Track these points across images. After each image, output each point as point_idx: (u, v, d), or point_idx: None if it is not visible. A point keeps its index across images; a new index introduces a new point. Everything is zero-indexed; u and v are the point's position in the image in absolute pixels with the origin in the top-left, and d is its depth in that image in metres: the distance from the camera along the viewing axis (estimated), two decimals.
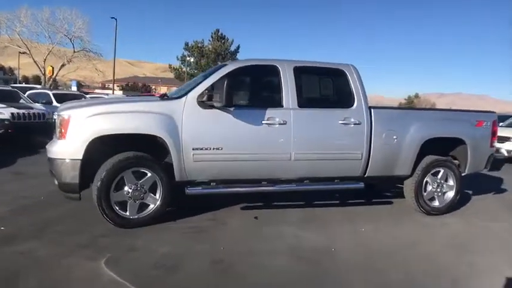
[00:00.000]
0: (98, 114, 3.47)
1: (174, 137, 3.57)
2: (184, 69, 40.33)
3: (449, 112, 4.85)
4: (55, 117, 3.76)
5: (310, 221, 4.13)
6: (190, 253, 3.12)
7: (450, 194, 4.66)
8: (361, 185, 4.31)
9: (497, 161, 4.85)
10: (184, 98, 3.69)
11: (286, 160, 3.93)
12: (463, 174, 4.70)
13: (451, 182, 4.65)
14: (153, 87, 62.99)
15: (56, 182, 3.62)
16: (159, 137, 3.54)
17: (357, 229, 3.97)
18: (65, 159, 3.44)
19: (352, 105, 4.19)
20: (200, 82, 3.83)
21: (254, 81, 4.30)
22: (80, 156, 3.40)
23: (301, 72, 4.09)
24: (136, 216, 3.61)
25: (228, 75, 3.81)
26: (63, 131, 3.47)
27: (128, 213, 3.58)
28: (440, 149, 4.61)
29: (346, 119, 4.09)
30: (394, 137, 4.27)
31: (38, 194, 4.64)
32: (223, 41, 41.79)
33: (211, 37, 41.68)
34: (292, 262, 3.07)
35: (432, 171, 4.54)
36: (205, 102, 3.64)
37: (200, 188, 3.79)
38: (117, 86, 49.80)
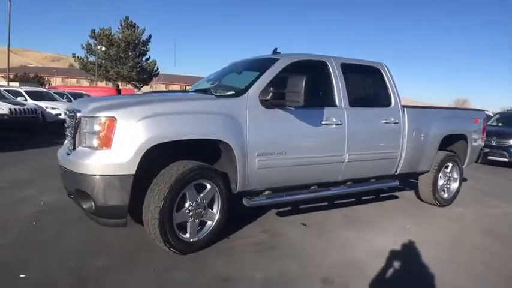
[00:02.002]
0: (155, 115, 2.74)
1: (240, 141, 3.06)
2: (90, 58, 36.27)
3: (456, 110, 5.25)
4: (78, 118, 2.85)
5: (357, 223, 4.03)
6: (289, 275, 2.71)
7: (455, 186, 5.08)
8: (397, 182, 4.39)
9: (486, 154, 5.41)
10: (245, 96, 3.18)
11: (340, 162, 3.74)
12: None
13: (455, 175, 5.07)
14: (46, 78, 55.22)
15: (88, 206, 2.76)
16: (225, 143, 2.99)
17: (403, 227, 4.01)
18: (111, 175, 2.63)
19: (390, 104, 4.21)
20: (257, 78, 3.35)
21: (308, 78, 3.97)
22: (133, 171, 2.65)
23: (346, 70, 3.91)
24: (196, 238, 3.00)
25: (285, 71, 3.44)
26: (105, 137, 2.65)
27: (188, 235, 2.95)
28: (443, 144, 4.96)
29: (387, 118, 4.09)
30: (422, 135, 4.44)
31: (21, 218, 3.55)
32: (133, 29, 38.81)
33: (121, 25, 38.39)
34: (401, 268, 2.94)
35: (444, 166, 4.87)
36: (271, 101, 3.20)
37: (264, 198, 3.34)
38: (1, 76, 42.35)
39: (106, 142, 2.65)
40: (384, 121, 4.06)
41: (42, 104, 11.47)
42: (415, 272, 2.90)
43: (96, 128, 2.69)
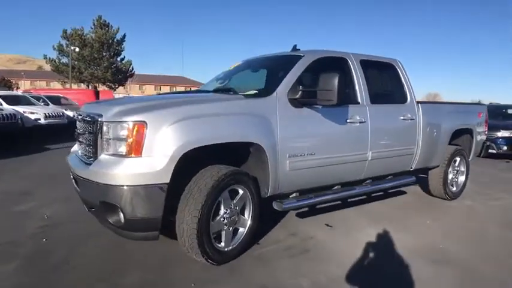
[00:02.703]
0: (188, 118, 2.55)
1: (272, 143, 2.92)
2: (63, 60, 34.83)
3: (463, 105, 5.31)
4: (100, 123, 2.61)
5: (377, 221, 3.98)
6: (334, 279, 2.61)
7: (462, 179, 5.14)
8: (414, 178, 4.38)
9: (487, 147, 5.52)
10: (274, 95, 3.04)
11: (364, 160, 3.68)
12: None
13: (462, 168, 5.13)
14: (14, 81, 52.57)
15: (115, 219, 2.54)
16: (258, 145, 2.84)
17: (423, 222, 4.01)
18: (143, 185, 2.42)
19: (406, 101, 4.19)
20: (282, 76, 3.22)
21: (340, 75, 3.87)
22: (167, 179, 2.46)
23: (365, 66, 3.85)
24: (230, 247, 2.84)
25: (309, 68, 3.33)
26: (134, 144, 2.44)
27: (223, 244, 2.79)
28: (450, 139, 5.00)
29: (404, 114, 4.06)
30: (434, 130, 4.45)
31: (29, 235, 3.27)
32: (107, 28, 37.54)
33: (93, 24, 36.99)
34: (438, 265, 2.89)
35: (453, 160, 4.92)
36: (301, 99, 3.07)
37: (295, 200, 3.22)
38: None
39: (136, 149, 2.44)
40: (402, 117, 4.03)
41: (20, 108, 10.82)
42: (453, 268, 2.87)
43: (124, 133, 2.47)
